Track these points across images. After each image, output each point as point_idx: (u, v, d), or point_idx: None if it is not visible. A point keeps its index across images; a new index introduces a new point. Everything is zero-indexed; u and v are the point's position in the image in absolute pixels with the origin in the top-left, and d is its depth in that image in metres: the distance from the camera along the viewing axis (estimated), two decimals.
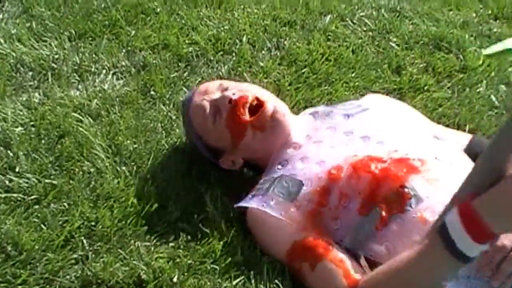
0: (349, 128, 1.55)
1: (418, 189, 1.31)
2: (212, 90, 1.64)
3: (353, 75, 2.20)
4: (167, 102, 2.04)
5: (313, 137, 1.57)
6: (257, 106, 1.58)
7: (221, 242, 1.49)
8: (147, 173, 1.73)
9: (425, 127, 1.63)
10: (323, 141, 1.54)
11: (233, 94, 1.58)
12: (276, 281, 1.38)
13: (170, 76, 2.18)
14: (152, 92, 2.10)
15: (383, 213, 1.31)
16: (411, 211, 1.29)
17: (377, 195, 1.33)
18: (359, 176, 1.37)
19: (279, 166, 1.54)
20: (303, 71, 2.22)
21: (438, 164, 1.38)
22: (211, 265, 1.43)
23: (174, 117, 1.96)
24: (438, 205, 1.23)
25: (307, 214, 1.40)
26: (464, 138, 1.64)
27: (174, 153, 1.82)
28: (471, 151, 1.51)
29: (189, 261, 1.43)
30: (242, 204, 1.51)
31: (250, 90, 1.63)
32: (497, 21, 2.62)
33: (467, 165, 1.37)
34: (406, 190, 1.31)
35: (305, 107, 1.98)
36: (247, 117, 1.57)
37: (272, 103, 1.60)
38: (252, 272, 1.40)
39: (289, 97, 2.07)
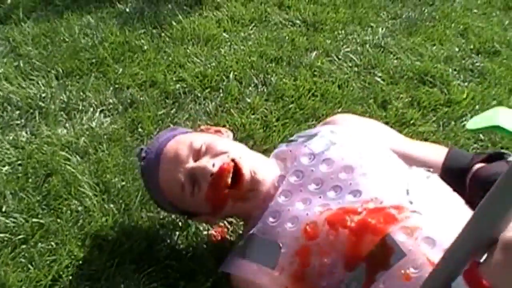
0: (317, 174, 1.42)
1: (399, 242, 1.24)
2: (183, 157, 1.48)
3: (339, 110, 2.19)
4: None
5: (282, 187, 1.45)
6: (235, 171, 1.46)
7: (210, 280, 1.48)
8: (136, 211, 1.72)
9: (396, 161, 1.49)
10: (293, 194, 1.42)
11: (213, 165, 1.44)
12: None
13: (157, 113, 2.18)
14: (139, 130, 2.10)
15: (369, 271, 1.25)
16: (395, 268, 1.23)
17: (359, 250, 1.27)
18: (337, 232, 1.29)
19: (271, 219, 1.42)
20: (290, 106, 2.22)
21: (414, 208, 1.30)
22: None
23: None
24: (420, 258, 1.21)
25: (291, 277, 1.32)
26: (440, 153, 1.55)
27: None
28: (450, 166, 1.48)
29: None
30: (226, 269, 1.43)
31: (226, 151, 1.48)
32: (479, 55, 2.64)
33: (443, 201, 1.35)
34: (388, 243, 1.25)
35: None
36: (227, 189, 1.45)
37: (248, 166, 1.47)
38: None
39: (276, 132, 2.07)
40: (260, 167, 1.49)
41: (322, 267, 1.29)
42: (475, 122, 1.03)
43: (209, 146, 1.48)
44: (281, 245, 1.34)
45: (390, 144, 1.54)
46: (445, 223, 1.26)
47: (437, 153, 1.54)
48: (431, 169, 1.44)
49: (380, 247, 1.24)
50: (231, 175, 1.44)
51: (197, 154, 1.47)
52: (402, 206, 1.29)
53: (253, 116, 2.17)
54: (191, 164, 1.46)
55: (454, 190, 1.42)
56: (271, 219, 1.39)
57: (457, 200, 1.38)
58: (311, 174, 1.43)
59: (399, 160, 1.47)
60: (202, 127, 1.62)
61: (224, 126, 2.09)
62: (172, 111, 2.20)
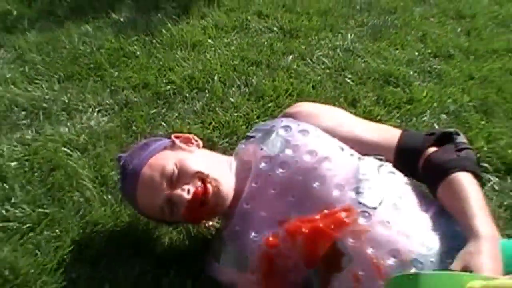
0: (275, 179, 1.36)
1: (348, 246, 1.23)
2: (158, 184, 1.39)
3: None
4: (148, 136, 2.02)
5: (245, 193, 1.40)
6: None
7: (199, 263, 1.48)
8: None
9: (347, 159, 1.39)
10: (255, 199, 1.38)
11: (188, 191, 1.38)
12: None
13: (150, 112, 2.17)
14: (134, 127, 2.09)
15: (324, 273, 1.25)
16: (346, 270, 1.23)
17: (315, 253, 1.26)
18: (294, 240, 1.27)
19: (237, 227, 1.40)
20: (269, 105, 2.22)
21: (363, 209, 1.27)
22: (191, 284, 1.43)
23: None
24: (367, 261, 1.21)
25: (263, 275, 1.31)
26: (394, 134, 1.48)
27: None
28: (403, 147, 1.42)
29: (171, 280, 1.43)
30: (208, 273, 1.43)
31: (196, 172, 1.40)
32: (436, 58, 2.65)
33: (393, 195, 1.32)
34: (338, 247, 1.24)
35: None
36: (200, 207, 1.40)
37: (213, 186, 1.40)
38: None
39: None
40: (224, 183, 1.42)
41: (287, 266, 1.29)
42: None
43: (180, 169, 1.40)
44: (247, 253, 1.33)
45: (346, 132, 1.46)
46: (394, 219, 1.25)
47: (392, 134, 1.47)
48: (383, 157, 1.40)
49: (332, 251, 1.24)
50: (203, 197, 1.38)
51: (171, 179, 1.39)
52: (352, 208, 1.26)
53: (236, 114, 2.16)
54: (166, 191, 1.39)
55: (407, 170, 1.40)
56: (237, 227, 1.37)
57: (408, 191, 1.35)
58: (268, 178, 1.38)
59: (352, 152, 1.40)
60: (174, 135, 1.52)
61: (210, 123, 2.10)
62: (163, 110, 2.19)
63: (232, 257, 1.36)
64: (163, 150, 1.47)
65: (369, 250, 1.21)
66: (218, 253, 1.40)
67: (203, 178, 1.39)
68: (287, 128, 1.45)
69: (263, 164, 1.40)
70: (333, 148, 1.40)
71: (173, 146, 1.49)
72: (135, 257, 1.52)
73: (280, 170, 1.37)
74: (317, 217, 1.27)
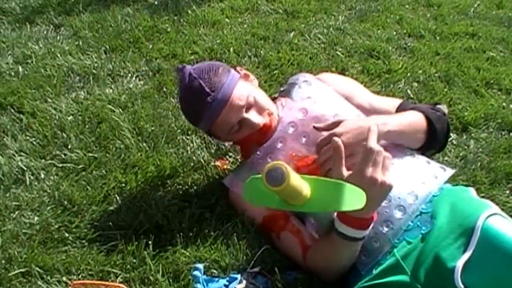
0: (295, 122, 1.36)
1: None
2: (241, 107, 1.34)
3: None
4: (175, 96, 2.02)
5: (278, 134, 1.38)
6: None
7: (214, 197, 1.50)
8: (162, 148, 1.72)
9: (355, 113, 1.39)
10: (277, 137, 1.37)
11: (261, 121, 1.36)
12: (253, 227, 1.37)
13: (177, 77, 2.15)
14: (164, 89, 2.08)
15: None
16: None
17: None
18: (299, 170, 1.21)
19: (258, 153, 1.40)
20: (274, 72, 2.20)
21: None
22: (209, 214, 1.44)
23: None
24: None
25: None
26: (395, 102, 1.47)
27: (181, 133, 1.81)
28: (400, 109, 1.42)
29: (193, 211, 1.45)
30: (224, 181, 1.44)
31: (267, 108, 1.38)
32: (410, 37, 2.61)
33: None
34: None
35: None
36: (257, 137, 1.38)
37: (273, 121, 1.39)
38: (237, 220, 1.39)
39: (264, 91, 2.00)
40: (275, 113, 1.41)
41: None
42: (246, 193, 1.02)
43: (254, 101, 1.36)
44: (259, 171, 1.33)
45: (359, 98, 1.45)
46: None
47: (395, 102, 1.47)
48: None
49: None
50: (266, 129, 1.37)
51: (249, 106, 1.36)
52: None
53: None
54: (244, 114, 1.34)
55: None
56: (258, 152, 1.38)
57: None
58: (289, 118, 1.38)
59: (359, 113, 1.38)
60: (238, 68, 1.45)
61: None
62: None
63: (246, 171, 1.37)
64: (240, 79, 1.39)
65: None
66: (238, 169, 1.43)
67: (270, 113, 1.39)
68: (308, 83, 1.45)
69: (285, 110, 1.41)
70: (343, 106, 1.39)
71: (245, 78, 1.43)
72: (165, 192, 1.54)
73: (301, 113, 1.37)
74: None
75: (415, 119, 1.31)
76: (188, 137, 1.80)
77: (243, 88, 1.37)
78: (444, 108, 1.42)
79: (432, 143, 1.34)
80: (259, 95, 1.40)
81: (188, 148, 1.74)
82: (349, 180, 1.00)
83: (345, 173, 1.06)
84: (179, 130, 1.82)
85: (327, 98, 1.40)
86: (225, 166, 1.65)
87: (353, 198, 0.96)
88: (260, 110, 1.37)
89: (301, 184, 0.96)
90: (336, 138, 1.07)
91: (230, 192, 1.44)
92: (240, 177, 1.39)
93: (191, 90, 1.35)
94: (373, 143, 1.06)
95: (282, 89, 1.51)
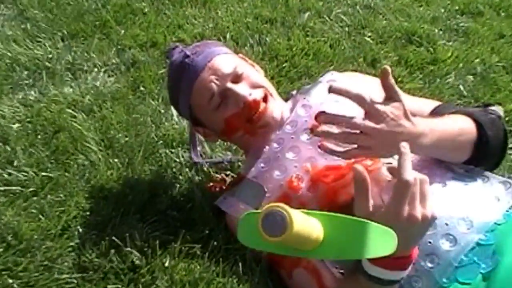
0: (310, 125, 1.36)
1: None
2: (225, 73, 1.45)
3: (331, 68, 2.18)
4: (156, 97, 2.04)
5: (278, 134, 1.46)
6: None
7: (208, 228, 1.50)
8: (138, 165, 1.73)
9: None
10: (285, 141, 1.43)
11: (250, 94, 1.43)
12: (258, 267, 1.38)
13: (158, 72, 2.18)
14: (141, 88, 2.10)
15: None
16: None
17: (334, 203, 1.26)
18: (317, 187, 1.30)
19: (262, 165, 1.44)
20: (284, 65, 2.22)
21: (388, 162, 1.25)
22: (200, 250, 1.43)
23: (162, 111, 1.97)
24: None
25: None
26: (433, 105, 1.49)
27: (163, 145, 1.82)
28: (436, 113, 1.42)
29: (180, 247, 1.43)
30: (218, 204, 1.48)
31: (263, 85, 1.48)
32: (464, 16, 2.62)
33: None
34: None
35: (286, 100, 1.97)
36: (247, 122, 1.46)
37: (273, 106, 1.47)
38: (237, 257, 1.39)
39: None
40: (280, 110, 1.48)
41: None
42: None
43: (248, 75, 1.47)
44: (266, 189, 1.37)
45: None
46: None
47: (431, 104, 1.48)
48: None
49: (352, 202, 1.19)
50: (258, 112, 1.44)
51: (237, 78, 1.45)
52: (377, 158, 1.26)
53: None
54: (228, 84, 1.44)
55: None
56: (262, 164, 1.42)
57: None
58: (304, 124, 1.42)
59: None
60: (241, 55, 1.58)
61: None
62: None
63: (249, 191, 1.40)
64: (236, 56, 1.53)
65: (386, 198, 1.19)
66: (236, 188, 1.44)
67: (266, 94, 1.46)
68: (333, 81, 1.48)
69: (301, 110, 1.46)
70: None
71: (242, 59, 1.55)
72: (143, 223, 1.53)
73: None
74: (344, 165, 1.29)
75: (458, 124, 1.30)
76: (172, 151, 1.80)
77: (233, 59, 1.50)
78: (498, 110, 1.41)
79: (483, 156, 1.33)
80: (254, 73, 1.50)
81: (173, 165, 1.74)
82: (380, 221, 0.98)
83: (372, 209, 1.06)
84: (161, 142, 1.83)
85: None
86: (221, 187, 1.64)
87: (381, 241, 0.95)
88: (252, 85, 1.46)
89: (310, 226, 0.94)
90: (359, 167, 1.07)
91: (228, 217, 1.46)
92: (240, 197, 1.42)
93: (175, 61, 1.53)
94: (408, 173, 1.05)
95: (303, 88, 1.57)
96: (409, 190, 1.03)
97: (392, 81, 1.18)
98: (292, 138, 1.42)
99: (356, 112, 1.29)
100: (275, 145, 1.43)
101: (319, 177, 1.31)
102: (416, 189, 1.04)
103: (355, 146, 1.16)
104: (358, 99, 1.15)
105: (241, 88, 1.44)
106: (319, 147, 1.20)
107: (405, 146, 1.07)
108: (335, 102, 1.40)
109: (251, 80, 1.47)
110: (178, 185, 1.67)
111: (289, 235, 0.89)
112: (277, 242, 0.90)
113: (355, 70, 2.12)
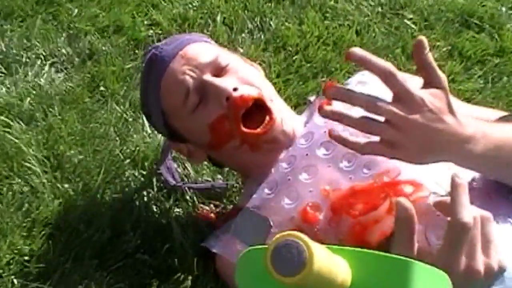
0: (334, 147, 1.40)
1: None
2: (203, 63, 1.49)
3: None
4: (122, 100, 2.05)
5: (287, 155, 1.47)
6: (258, 108, 1.46)
7: (190, 278, 1.50)
8: (97, 192, 1.73)
9: None
10: (297, 159, 1.44)
11: (235, 89, 1.44)
12: None
13: (124, 67, 2.19)
14: (102, 88, 2.11)
15: None
16: None
17: (364, 241, 1.26)
18: (340, 220, 1.30)
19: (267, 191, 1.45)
20: (294, 58, 2.24)
21: (435, 192, 1.27)
22: None
23: (130, 119, 1.97)
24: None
25: None
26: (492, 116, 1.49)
27: (131, 166, 1.83)
28: None
29: None
30: (207, 244, 1.49)
31: (257, 85, 1.49)
32: None
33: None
34: None
35: (297, 106, 2.00)
36: (241, 126, 1.45)
37: (280, 114, 1.49)
38: None
39: (276, 91, 2.05)
40: (290, 119, 1.51)
41: None
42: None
43: (235, 69, 1.50)
44: (271, 223, 1.37)
45: None
46: None
47: (493, 114, 1.49)
48: None
49: (387, 241, 1.21)
50: (246, 107, 1.44)
51: (219, 71, 1.49)
52: (423, 184, 1.26)
53: None
54: (205, 76, 1.47)
55: None
56: (266, 191, 1.42)
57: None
58: (322, 137, 1.43)
59: None
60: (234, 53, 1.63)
61: None
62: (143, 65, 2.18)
63: (249, 227, 1.40)
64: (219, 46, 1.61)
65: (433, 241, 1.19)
66: (232, 223, 1.45)
67: (262, 97, 1.46)
68: (364, 83, 1.52)
69: (319, 119, 1.47)
70: None
71: (233, 51, 1.62)
72: (102, 270, 1.53)
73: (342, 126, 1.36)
74: (374, 183, 1.30)
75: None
76: (143, 173, 1.81)
77: (215, 48, 1.57)
78: None
79: None
80: (246, 68, 1.55)
81: (144, 192, 1.75)
82: None
83: (417, 254, 1.05)
84: (128, 161, 1.84)
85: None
86: (211, 220, 1.66)
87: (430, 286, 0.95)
88: (242, 81, 1.48)
89: (334, 264, 0.94)
90: (404, 201, 1.07)
91: (220, 261, 1.47)
92: (237, 234, 1.43)
93: (144, 60, 1.62)
94: (465, 212, 1.05)
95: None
96: (468, 235, 1.04)
97: (431, 58, 1.16)
98: (307, 155, 1.43)
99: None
100: (284, 165, 1.45)
101: (343, 206, 1.31)
102: (476, 232, 1.05)
103: (376, 139, 1.15)
104: (384, 73, 1.13)
105: (223, 81, 1.46)
106: (329, 134, 1.20)
107: (459, 176, 1.08)
108: (361, 84, 1.50)
109: (240, 75, 1.49)
110: (151, 219, 1.68)
111: (308, 274, 0.87)
112: (291, 284, 0.89)
113: None
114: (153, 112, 1.57)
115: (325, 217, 1.32)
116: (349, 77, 1.82)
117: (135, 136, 1.91)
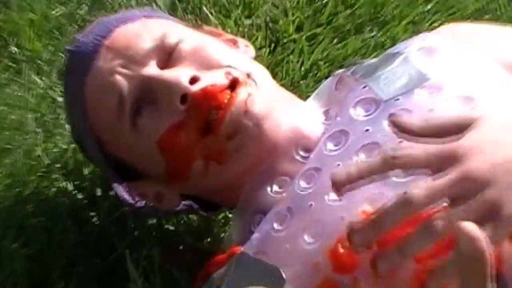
0: (374, 138, 1.42)
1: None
2: (140, 51, 1.50)
3: (428, 7, 2.21)
4: (46, 69, 2.08)
5: (304, 168, 1.46)
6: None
7: None
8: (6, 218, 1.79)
9: None
10: (323, 173, 1.42)
11: (193, 79, 1.43)
12: None
13: (49, 14, 2.21)
14: (13, 49, 2.15)
15: None
16: None
17: None
18: None
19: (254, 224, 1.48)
20: (324, 1, 2.18)
21: None
22: None
23: (60, 99, 1.95)
24: None
25: None
26: None
27: (61, 174, 1.83)
28: None
29: None
30: None
31: (226, 64, 1.50)
32: None
33: None
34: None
35: (328, 76, 1.91)
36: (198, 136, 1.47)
37: (262, 100, 1.48)
38: None
39: (296, 57, 2.08)
40: (279, 111, 1.49)
41: None
42: None
43: (195, 50, 1.49)
44: (284, 275, 1.31)
45: None
46: None
47: None
48: None
49: None
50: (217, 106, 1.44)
51: (167, 56, 1.48)
52: None
53: (248, 22, 2.12)
54: (151, 69, 1.46)
55: None
56: (275, 225, 1.41)
57: None
58: (362, 136, 1.42)
59: None
60: (205, 27, 1.64)
61: None
62: (78, 10, 2.18)
63: (248, 282, 1.35)
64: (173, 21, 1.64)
65: None
66: (225, 273, 1.39)
67: (234, 80, 1.46)
68: (430, 51, 1.51)
69: (360, 110, 1.44)
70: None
71: (197, 27, 1.62)
72: None
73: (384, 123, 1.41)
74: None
75: None
76: (77, 186, 1.81)
77: (162, 25, 1.58)
78: None
79: None
80: (214, 45, 1.56)
81: (84, 216, 1.76)
82: None
83: None
84: (57, 166, 1.85)
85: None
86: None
87: None
88: (203, 65, 1.48)
89: None
90: (470, 228, 1.03)
91: None
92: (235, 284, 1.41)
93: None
94: None
95: (359, 65, 1.61)
96: None
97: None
98: (339, 165, 1.41)
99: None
100: (302, 183, 1.42)
101: (399, 235, 1.26)
102: None
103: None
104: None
105: (174, 71, 1.46)
106: (392, 122, 1.23)
107: None
108: (425, 52, 1.50)
109: (202, 55, 1.50)
110: (93, 264, 1.71)
111: None
112: None
113: (495, 11, 2.23)
114: (84, 138, 1.60)
115: (367, 259, 1.26)
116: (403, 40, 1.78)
117: (67, 126, 1.85)
